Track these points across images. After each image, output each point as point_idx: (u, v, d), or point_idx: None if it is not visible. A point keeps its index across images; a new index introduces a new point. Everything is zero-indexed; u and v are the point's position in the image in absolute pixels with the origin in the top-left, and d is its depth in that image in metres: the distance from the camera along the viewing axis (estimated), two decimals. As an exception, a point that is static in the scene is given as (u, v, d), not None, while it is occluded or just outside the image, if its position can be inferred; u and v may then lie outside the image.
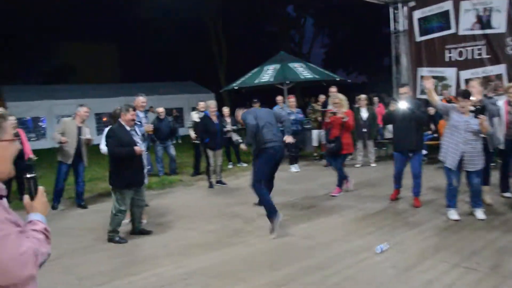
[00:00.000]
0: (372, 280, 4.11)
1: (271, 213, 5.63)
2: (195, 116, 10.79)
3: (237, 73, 15.92)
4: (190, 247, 5.33)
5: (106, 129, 6.02)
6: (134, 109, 5.79)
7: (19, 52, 27.71)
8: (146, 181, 6.15)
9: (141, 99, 7.09)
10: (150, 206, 7.40)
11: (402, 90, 6.76)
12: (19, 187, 7.55)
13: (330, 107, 8.06)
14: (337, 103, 7.49)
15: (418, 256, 4.61)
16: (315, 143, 11.66)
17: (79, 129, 7.59)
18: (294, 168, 10.26)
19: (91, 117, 22.30)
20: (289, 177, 9.60)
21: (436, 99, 6.13)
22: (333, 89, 10.07)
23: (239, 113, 6.72)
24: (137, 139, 5.77)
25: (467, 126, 5.55)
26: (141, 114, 7.22)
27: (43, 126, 22.25)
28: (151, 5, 24.23)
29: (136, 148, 5.54)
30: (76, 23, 30.74)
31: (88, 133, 7.73)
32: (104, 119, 21.38)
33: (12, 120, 8.03)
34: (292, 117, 10.39)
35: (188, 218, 6.75)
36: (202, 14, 26.97)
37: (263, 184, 5.92)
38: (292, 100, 10.89)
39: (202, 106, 10.82)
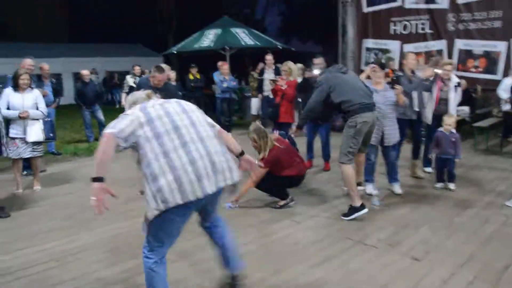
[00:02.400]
0: (269, 254, 3.94)
1: None
2: (131, 81, 10.27)
3: (187, 37, 15.14)
4: (88, 220, 4.95)
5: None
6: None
7: None
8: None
9: (28, 62, 6.56)
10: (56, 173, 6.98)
11: (317, 61, 6.89)
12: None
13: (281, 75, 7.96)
14: (285, 71, 7.55)
15: (323, 232, 4.47)
16: (254, 111, 11.38)
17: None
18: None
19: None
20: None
21: None
22: (268, 57, 9.76)
23: None
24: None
25: (385, 99, 5.41)
26: None
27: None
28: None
29: None
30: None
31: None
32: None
33: None
34: (225, 84, 10.05)
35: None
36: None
37: None
38: (225, 67, 10.48)
39: (138, 71, 10.30)
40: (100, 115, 10.11)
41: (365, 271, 3.60)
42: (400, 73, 6.26)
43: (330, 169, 7.12)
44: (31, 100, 5.99)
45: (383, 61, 13.09)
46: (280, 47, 13.27)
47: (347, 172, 4.84)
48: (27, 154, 6.02)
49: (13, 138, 5.90)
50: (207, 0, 28.99)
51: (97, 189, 2.56)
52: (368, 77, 5.75)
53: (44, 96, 6.81)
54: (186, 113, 2.85)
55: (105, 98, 17.41)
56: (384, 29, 13.16)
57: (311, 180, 6.48)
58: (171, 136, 2.66)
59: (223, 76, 10.40)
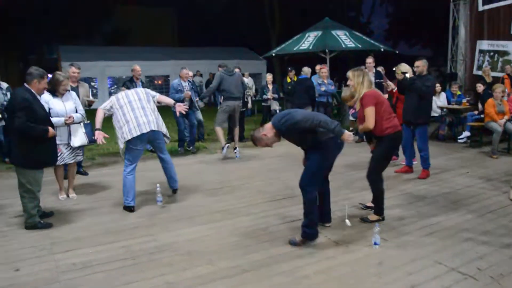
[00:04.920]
0: (348, 277, 3.57)
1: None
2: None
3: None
4: (169, 221, 5.02)
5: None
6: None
7: (78, 15, 28.30)
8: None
9: (72, 69, 7.07)
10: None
11: (417, 63, 6.51)
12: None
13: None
14: (398, 73, 7.15)
15: (413, 254, 3.99)
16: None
17: (75, 90, 6.61)
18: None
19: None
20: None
21: None
22: (369, 60, 9.21)
23: None
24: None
25: None
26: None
27: (95, 86, 22.70)
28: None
29: (50, 130, 4.78)
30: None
31: (88, 94, 7.25)
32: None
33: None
34: (323, 88, 9.70)
35: (184, 189, 6.42)
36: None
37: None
38: (324, 70, 10.13)
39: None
40: (199, 115, 10.18)
41: (458, 306, 3.11)
42: None
43: (426, 177, 6.73)
44: (71, 104, 5.79)
45: (499, 64, 11.96)
46: (382, 50, 12.61)
47: (218, 131, 8.41)
48: (70, 160, 5.89)
49: (57, 145, 5.58)
50: (312, 3, 28.65)
51: (97, 133, 5.37)
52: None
53: None
54: (137, 94, 5.58)
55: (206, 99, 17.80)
56: (503, 29, 11.97)
57: (404, 191, 5.96)
58: (127, 106, 5.41)
59: (321, 79, 10.08)
